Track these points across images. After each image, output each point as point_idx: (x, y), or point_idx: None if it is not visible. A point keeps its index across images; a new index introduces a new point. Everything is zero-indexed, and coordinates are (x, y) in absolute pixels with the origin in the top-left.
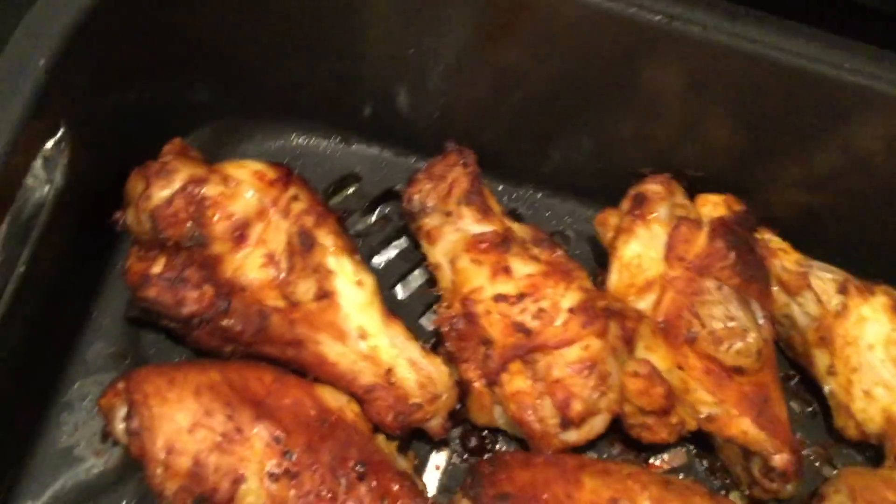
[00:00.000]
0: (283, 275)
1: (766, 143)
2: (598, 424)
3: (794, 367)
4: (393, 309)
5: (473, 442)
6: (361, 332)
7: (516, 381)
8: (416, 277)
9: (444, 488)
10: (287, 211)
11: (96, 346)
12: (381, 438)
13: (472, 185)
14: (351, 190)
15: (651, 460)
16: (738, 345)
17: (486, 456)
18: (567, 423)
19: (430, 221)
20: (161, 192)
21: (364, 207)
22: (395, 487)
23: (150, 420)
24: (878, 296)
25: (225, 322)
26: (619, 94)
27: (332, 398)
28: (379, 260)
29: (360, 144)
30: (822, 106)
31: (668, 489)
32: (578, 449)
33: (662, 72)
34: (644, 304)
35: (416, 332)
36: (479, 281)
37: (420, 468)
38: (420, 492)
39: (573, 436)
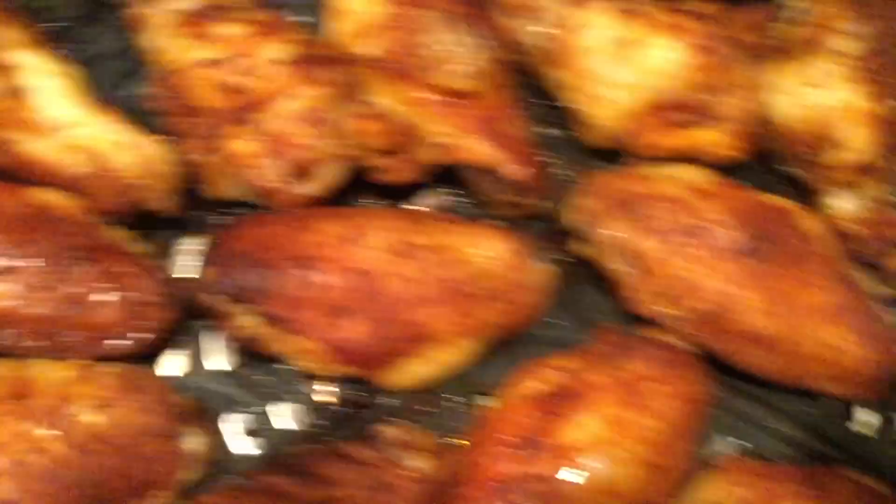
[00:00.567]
0: None
1: None
2: (331, 173)
3: (538, 94)
4: (121, 107)
5: (222, 221)
6: (65, 123)
7: (237, 144)
8: (142, 74)
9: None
10: None
11: None
12: (113, 229)
13: None
14: None
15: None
16: (459, 67)
17: None
18: (296, 174)
19: (138, 9)
20: None
21: (74, 12)
22: (126, 268)
23: None
24: (594, 1)
25: None
26: None
27: (45, 195)
28: (103, 63)
29: None
30: None
31: (402, 219)
32: (326, 204)
33: None
34: (365, 48)
35: (148, 127)
36: (184, 53)
37: (167, 255)
38: (154, 268)
39: (308, 188)
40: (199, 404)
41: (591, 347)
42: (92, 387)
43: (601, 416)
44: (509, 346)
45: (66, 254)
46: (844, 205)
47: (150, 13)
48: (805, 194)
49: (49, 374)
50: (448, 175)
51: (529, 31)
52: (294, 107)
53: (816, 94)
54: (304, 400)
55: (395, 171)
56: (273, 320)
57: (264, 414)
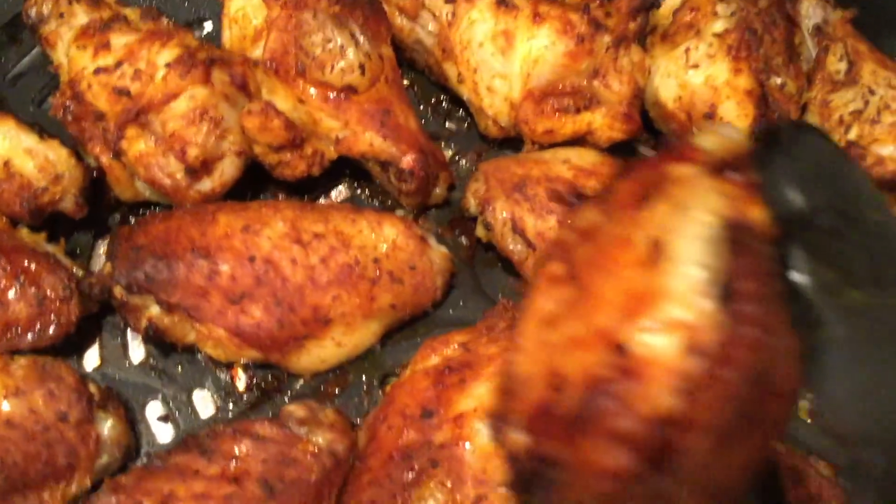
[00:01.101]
0: None
1: None
2: (228, 169)
3: (442, 91)
4: (43, 123)
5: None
6: None
7: (136, 146)
8: None
9: None
10: None
11: None
12: (23, 231)
13: None
14: None
15: (319, 201)
16: (341, 63)
17: None
18: (191, 171)
19: (48, 28)
20: None
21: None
22: (33, 265)
23: None
24: None
25: None
26: None
27: None
28: (22, 82)
29: None
30: None
31: (302, 209)
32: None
33: None
34: (257, 50)
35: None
36: (83, 62)
37: (87, 256)
38: (61, 266)
39: (207, 184)
40: (110, 391)
41: (488, 322)
42: (5, 377)
43: (493, 385)
44: (414, 327)
45: None
46: None
47: (56, 31)
48: None
49: None
50: (356, 168)
51: (424, 30)
52: (186, 107)
53: (691, 71)
54: (218, 386)
55: (292, 166)
56: (175, 309)
57: (180, 401)
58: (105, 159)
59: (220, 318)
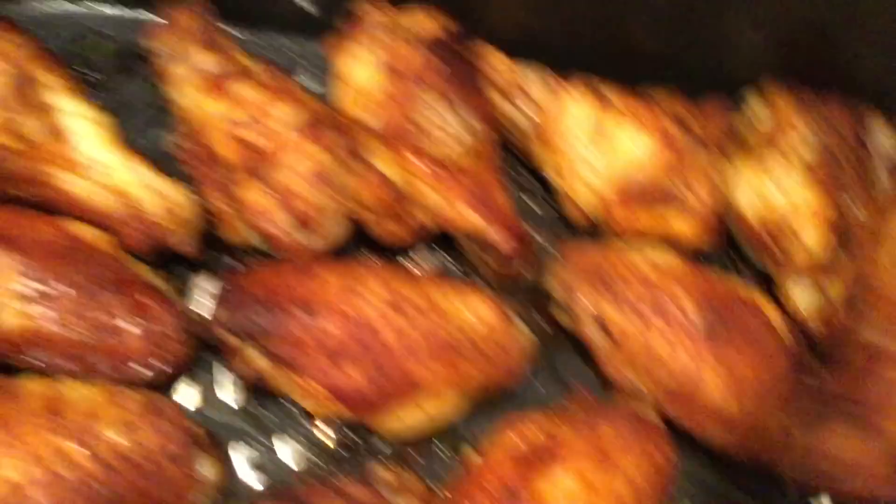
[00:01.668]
0: (11, 115)
1: None
2: (334, 228)
3: (528, 171)
4: (147, 153)
5: (235, 263)
6: (102, 166)
7: (252, 196)
8: (168, 124)
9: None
10: (6, 56)
11: None
12: (140, 266)
13: (205, 28)
14: (94, 49)
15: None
16: (452, 143)
17: None
18: (302, 227)
19: (168, 66)
20: None
21: (110, 65)
22: (150, 302)
23: None
24: (582, 89)
25: None
26: None
27: (81, 229)
28: (131, 112)
29: (98, 5)
30: None
31: (401, 276)
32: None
33: None
34: (368, 117)
35: (171, 174)
36: (212, 110)
37: (187, 293)
38: (175, 303)
39: (313, 241)
40: (211, 433)
41: (567, 409)
42: (118, 409)
43: (574, 474)
44: (493, 403)
45: (96, 284)
46: (801, 297)
47: (176, 70)
48: (765, 283)
49: (79, 394)
50: (443, 237)
51: (517, 111)
52: (302, 165)
53: (774, 191)
54: (305, 437)
55: (392, 231)
56: (277, 360)
57: (269, 447)
58: (219, 203)
59: (318, 373)
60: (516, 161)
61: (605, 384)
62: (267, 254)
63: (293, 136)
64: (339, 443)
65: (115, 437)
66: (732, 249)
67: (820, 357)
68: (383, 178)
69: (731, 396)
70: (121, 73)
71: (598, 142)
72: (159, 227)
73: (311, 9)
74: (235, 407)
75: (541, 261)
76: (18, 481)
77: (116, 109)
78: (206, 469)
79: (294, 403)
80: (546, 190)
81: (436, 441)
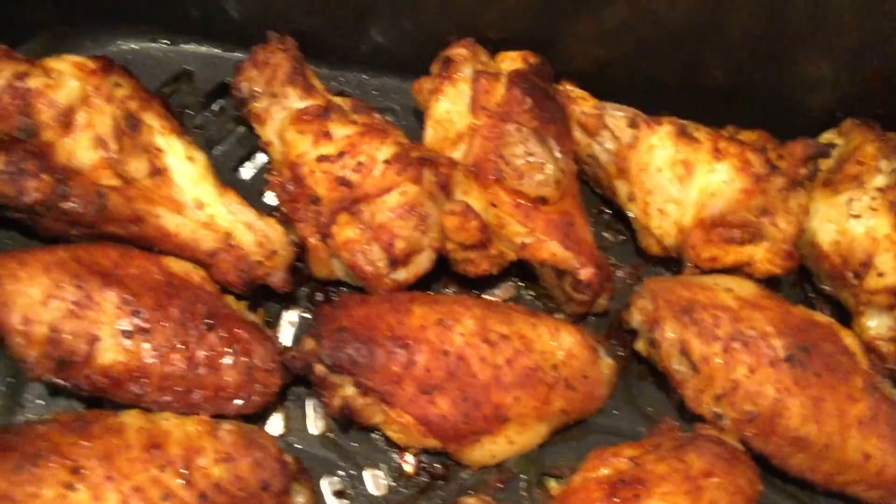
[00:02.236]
0: (113, 155)
1: (560, 3)
2: (423, 262)
3: (605, 203)
4: (237, 188)
5: (320, 297)
6: (197, 202)
7: (345, 231)
8: (258, 160)
9: (298, 340)
10: (110, 96)
11: None
12: (230, 299)
13: (294, 67)
14: (185, 87)
15: (483, 296)
16: (539, 176)
17: None
18: (394, 261)
19: (259, 105)
20: None
21: (200, 102)
22: (244, 335)
23: (4, 297)
24: (664, 125)
25: (66, 205)
26: None
27: (177, 265)
28: (221, 148)
29: (188, 44)
30: None
31: (489, 308)
32: (412, 289)
33: None
34: (457, 154)
35: (259, 208)
36: (304, 147)
37: (274, 325)
38: (268, 336)
39: (402, 274)
40: (302, 464)
41: (654, 440)
42: (216, 442)
43: (664, 503)
44: (572, 432)
45: (193, 318)
46: (879, 325)
47: (268, 108)
48: (842, 312)
49: (178, 427)
50: (522, 268)
51: (601, 147)
52: (394, 200)
53: (852, 223)
54: (390, 467)
55: (476, 263)
56: (372, 393)
57: (354, 476)
58: (312, 239)
59: (410, 405)
60: (592, 194)
61: (682, 413)
62: (352, 286)
63: (384, 172)
64: (420, 472)
65: (214, 469)
66: (806, 279)
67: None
68: (472, 212)
69: (813, 422)
70: (213, 112)
71: (681, 175)
72: (253, 262)
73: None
74: (322, 437)
75: (619, 291)
76: None
77: (209, 146)
78: (300, 499)
79: (378, 433)
80: (621, 222)
81: (514, 467)
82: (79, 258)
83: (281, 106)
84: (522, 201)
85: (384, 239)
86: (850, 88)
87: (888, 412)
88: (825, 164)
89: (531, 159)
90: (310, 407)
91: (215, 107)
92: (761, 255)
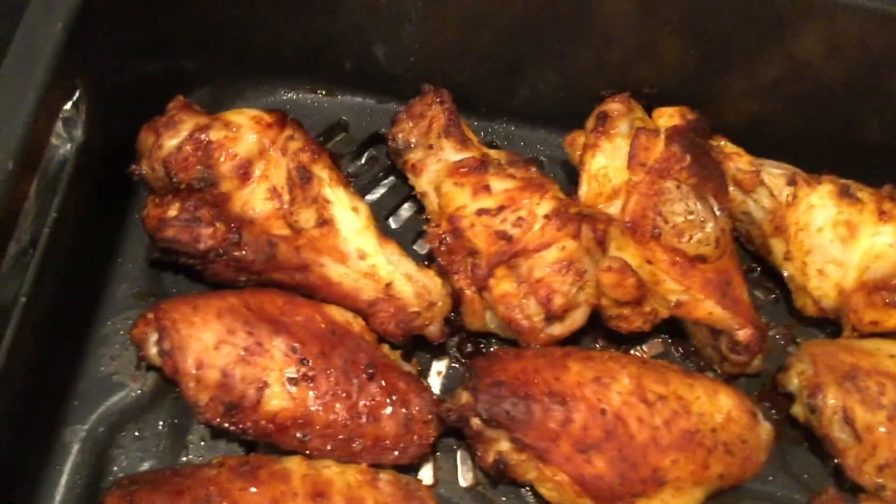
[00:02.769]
0: (285, 206)
1: (715, 58)
2: (578, 317)
3: (756, 261)
4: (400, 240)
5: (469, 348)
6: (360, 252)
7: (503, 285)
8: (406, 210)
9: (446, 390)
10: (285, 149)
11: (123, 288)
12: (386, 348)
13: (450, 120)
14: (339, 137)
15: (631, 352)
16: (699, 234)
17: None
18: (551, 317)
19: (414, 156)
20: (171, 141)
21: (353, 152)
22: (403, 385)
23: (179, 341)
24: (824, 184)
25: (238, 253)
26: (575, 24)
27: (339, 314)
28: (371, 197)
29: (344, 95)
30: (762, 18)
31: (645, 367)
32: (563, 343)
33: None
34: (612, 209)
35: (410, 256)
36: (463, 200)
37: (423, 375)
38: (426, 388)
39: (557, 329)
40: None
41: None
42: (376, 492)
43: None
44: (726, 498)
45: (355, 367)
46: None
47: (423, 160)
48: None
49: (340, 476)
50: (672, 325)
51: (757, 204)
52: (552, 255)
53: None
54: None
55: (629, 320)
56: (525, 448)
57: None
58: (468, 292)
59: (566, 463)
60: (743, 251)
61: (839, 482)
62: (502, 339)
63: (544, 227)
64: None
65: None
66: None
67: None
68: (629, 269)
69: None
70: (367, 161)
71: (843, 236)
72: (412, 313)
73: None
74: (469, 489)
75: (772, 352)
76: None
77: (362, 195)
78: None
79: (528, 489)
80: (772, 280)
81: None
82: (249, 304)
83: (437, 158)
84: (679, 259)
85: (542, 294)
86: None
87: None
88: None
89: (691, 217)
90: (459, 459)
91: (367, 156)
92: None
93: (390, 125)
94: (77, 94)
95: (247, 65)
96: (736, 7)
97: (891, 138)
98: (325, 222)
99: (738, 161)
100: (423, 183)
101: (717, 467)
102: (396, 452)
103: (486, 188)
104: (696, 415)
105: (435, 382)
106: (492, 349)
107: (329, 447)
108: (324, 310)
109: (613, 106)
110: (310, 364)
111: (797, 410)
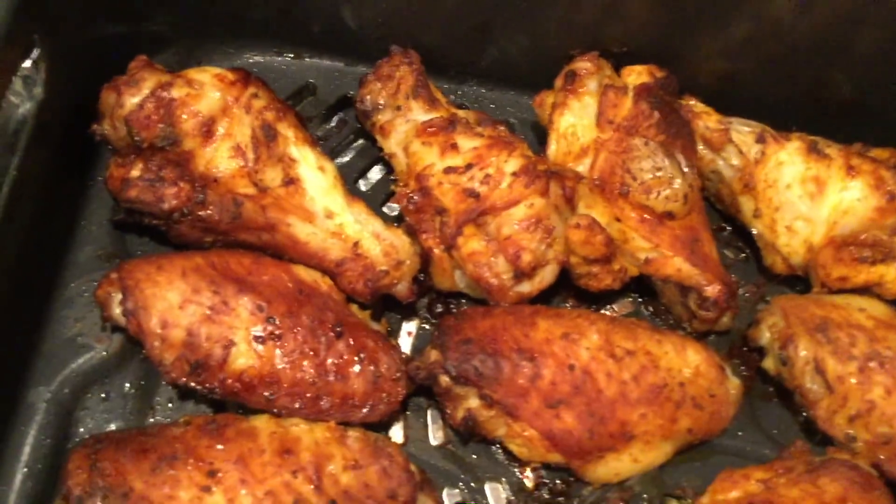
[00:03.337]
0: (250, 165)
1: (685, 16)
2: (547, 275)
3: (725, 220)
4: (368, 199)
5: (439, 308)
6: (327, 212)
7: (471, 243)
8: (376, 172)
9: (416, 350)
10: (249, 107)
11: (86, 250)
12: (354, 307)
13: (418, 80)
14: (308, 100)
15: (601, 311)
16: (667, 191)
17: None
18: (520, 274)
19: (382, 117)
20: (132, 99)
21: (322, 114)
22: (371, 343)
23: (143, 300)
24: (793, 141)
25: (203, 213)
26: None
27: (306, 273)
28: (340, 160)
29: (312, 58)
30: None
31: (613, 323)
32: (533, 303)
33: None
34: (581, 167)
35: (380, 217)
36: (430, 159)
37: (393, 335)
38: (394, 346)
39: (526, 287)
40: (426, 475)
41: (785, 463)
42: (344, 449)
43: None
44: (695, 452)
45: (323, 326)
46: None
47: (391, 121)
48: None
49: (308, 434)
50: (640, 283)
51: (726, 162)
52: (521, 212)
53: None
54: (510, 482)
55: (598, 278)
56: (497, 406)
57: (473, 489)
58: (437, 251)
59: (535, 419)
60: (712, 210)
61: (809, 436)
62: (472, 298)
63: (512, 184)
64: (540, 486)
65: (342, 476)
66: None
67: None
68: (598, 226)
69: None
70: (334, 124)
71: (811, 192)
72: (380, 272)
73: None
74: (439, 448)
75: (741, 310)
76: None
77: (331, 158)
78: None
79: (498, 446)
80: (741, 239)
81: (635, 486)
82: (214, 264)
83: (405, 118)
84: (648, 216)
85: (510, 251)
86: None
87: None
88: None
89: (659, 174)
90: (429, 417)
91: (336, 119)
92: (893, 276)
93: (358, 87)
94: (37, 53)
95: (212, 27)
96: None
97: (860, 97)
98: (291, 181)
99: (707, 119)
100: (392, 144)
101: (685, 421)
102: (365, 410)
103: (454, 146)
104: (665, 370)
105: (405, 343)
106: (461, 309)
107: (297, 405)
108: (291, 269)
109: (582, 64)
110: (277, 322)
111: (768, 364)
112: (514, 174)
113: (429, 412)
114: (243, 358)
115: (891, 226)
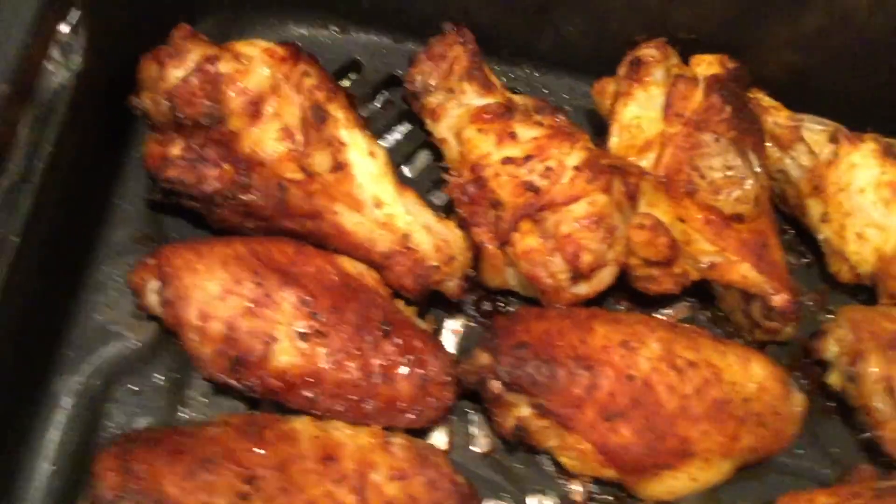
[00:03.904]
0: (299, 148)
1: (756, 5)
2: (606, 276)
3: (788, 222)
4: (418, 188)
5: (487, 306)
6: (376, 201)
7: (527, 240)
8: (422, 157)
9: (462, 350)
10: (299, 86)
11: (121, 231)
12: (400, 303)
13: (473, 62)
14: (353, 77)
15: (656, 315)
16: (737, 192)
17: None
18: (577, 275)
19: (433, 99)
20: (176, 72)
21: (367, 94)
22: (419, 344)
23: (182, 290)
24: (868, 143)
25: (246, 197)
26: None
27: (352, 265)
28: (385, 143)
29: (358, 33)
30: None
31: (675, 332)
32: (586, 305)
33: None
34: (645, 162)
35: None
36: (487, 148)
37: (437, 333)
38: (441, 347)
39: (583, 288)
40: (474, 487)
41: (851, 488)
42: (389, 457)
43: None
44: (752, 470)
45: (370, 325)
46: None
47: (444, 104)
48: None
49: (352, 439)
50: (699, 289)
51: (795, 162)
52: (585, 211)
53: None
54: (558, 495)
55: (658, 281)
56: (548, 415)
57: (518, 501)
58: (489, 246)
59: (591, 432)
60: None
61: (871, 456)
62: (522, 297)
63: (573, 179)
64: (592, 502)
65: (387, 487)
66: None
67: None
68: (662, 227)
69: None
70: (384, 104)
71: (886, 198)
72: (430, 267)
73: None
74: (486, 458)
75: (803, 320)
76: None
77: (381, 141)
78: None
79: (546, 456)
80: (804, 243)
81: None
82: (256, 253)
83: (458, 102)
84: (714, 217)
85: (569, 251)
86: None
87: None
88: None
89: (730, 173)
90: (474, 424)
91: (381, 99)
92: None
93: (408, 66)
94: (76, 17)
95: None
96: None
97: None
98: (339, 166)
99: (776, 115)
100: (443, 129)
101: (747, 439)
102: (411, 415)
103: (512, 135)
104: (728, 383)
105: (450, 342)
106: (511, 308)
107: (339, 408)
108: (336, 261)
109: (648, 52)
110: (321, 318)
111: (833, 379)
112: (577, 168)
113: (474, 418)
114: (285, 355)
115: None
